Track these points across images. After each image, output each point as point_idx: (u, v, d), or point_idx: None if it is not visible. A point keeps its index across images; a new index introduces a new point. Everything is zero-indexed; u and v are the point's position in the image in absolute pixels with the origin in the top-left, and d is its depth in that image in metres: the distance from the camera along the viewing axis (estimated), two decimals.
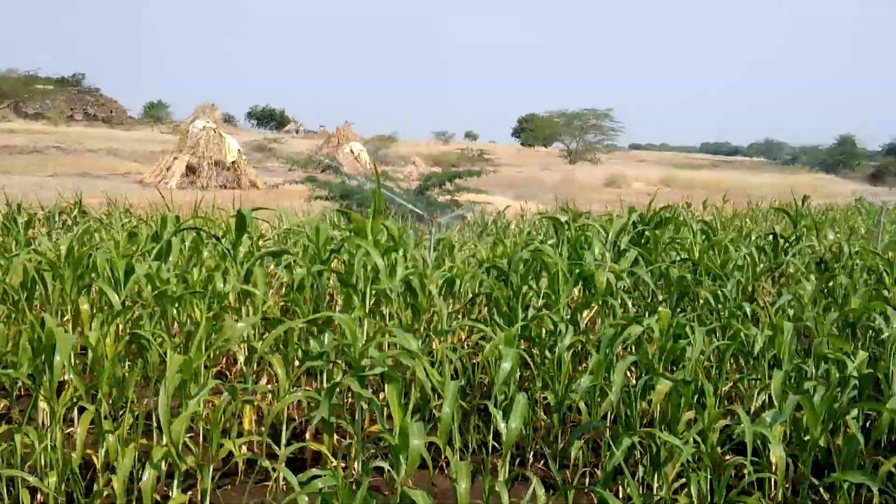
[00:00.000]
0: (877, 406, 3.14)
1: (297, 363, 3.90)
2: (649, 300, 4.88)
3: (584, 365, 4.53)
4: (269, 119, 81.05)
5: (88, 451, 3.21)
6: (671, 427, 3.08)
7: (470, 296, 4.90)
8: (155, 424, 3.53)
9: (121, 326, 3.96)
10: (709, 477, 2.94)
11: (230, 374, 4.76)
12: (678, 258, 5.38)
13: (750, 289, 5.23)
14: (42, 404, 3.28)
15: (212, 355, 3.58)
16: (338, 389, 3.17)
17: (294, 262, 4.46)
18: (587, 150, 63.63)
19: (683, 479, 3.08)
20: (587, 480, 3.53)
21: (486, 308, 4.88)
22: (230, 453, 3.36)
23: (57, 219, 7.61)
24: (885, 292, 4.61)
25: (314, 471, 2.50)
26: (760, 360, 3.76)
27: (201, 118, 29.35)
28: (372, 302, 3.82)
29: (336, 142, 39.43)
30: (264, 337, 4.36)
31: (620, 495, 3.25)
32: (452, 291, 4.72)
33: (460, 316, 4.92)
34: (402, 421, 2.30)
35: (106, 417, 3.05)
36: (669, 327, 3.42)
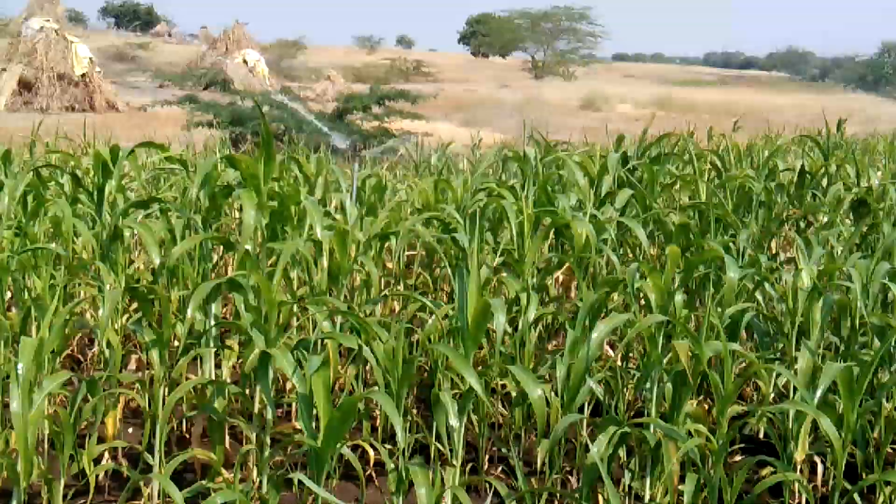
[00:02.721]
0: None
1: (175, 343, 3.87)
2: (640, 258, 4.94)
3: (554, 343, 4.59)
4: (132, 18, 79.20)
5: None
6: (668, 420, 3.14)
7: (405, 255, 4.90)
8: None
9: None
10: (717, 481, 3.01)
11: (85, 360, 4.72)
12: (678, 202, 5.46)
13: (769, 239, 5.36)
14: None
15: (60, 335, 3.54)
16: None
17: (169, 212, 4.39)
18: (558, 61, 63.71)
19: (680, 487, 3.15)
20: (558, 490, 3.58)
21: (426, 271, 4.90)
22: (94, 460, 3.35)
23: None
24: None
25: (203, 483, 2.50)
26: (783, 332, 3.84)
27: (38, 15, 28.56)
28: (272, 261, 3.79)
29: (224, 49, 38.81)
30: (132, 310, 4.32)
31: None
32: (383, 249, 4.72)
33: (392, 281, 4.93)
34: (329, 417, 2.31)
35: None
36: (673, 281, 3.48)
